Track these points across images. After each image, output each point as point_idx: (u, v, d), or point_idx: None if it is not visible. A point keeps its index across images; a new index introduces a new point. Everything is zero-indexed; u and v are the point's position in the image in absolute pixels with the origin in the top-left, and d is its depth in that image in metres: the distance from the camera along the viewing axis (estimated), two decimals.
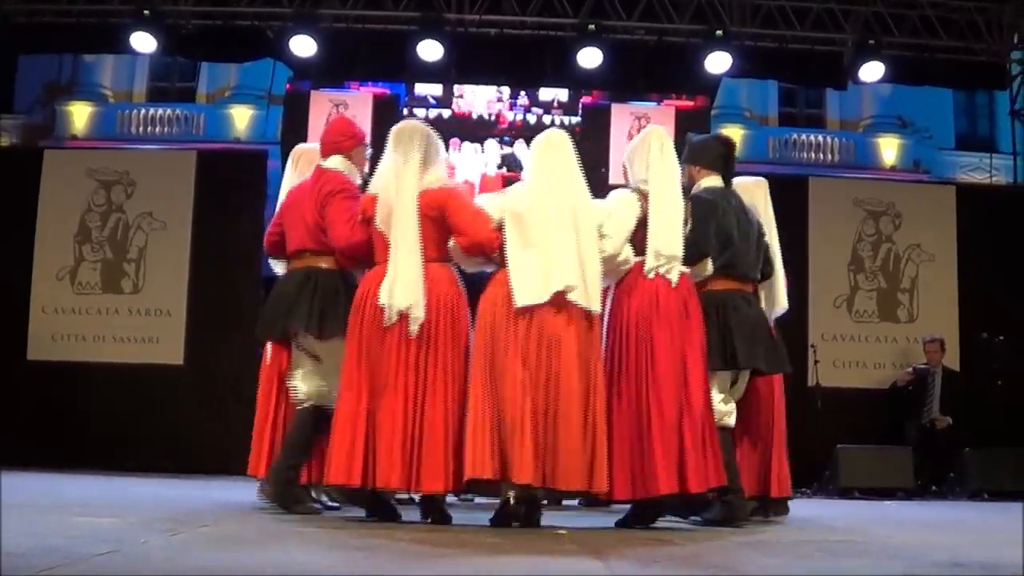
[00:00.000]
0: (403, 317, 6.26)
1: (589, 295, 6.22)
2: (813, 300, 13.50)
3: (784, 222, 7.88)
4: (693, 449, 6.21)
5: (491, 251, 6.40)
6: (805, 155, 28.41)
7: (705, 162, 7.14)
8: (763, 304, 7.32)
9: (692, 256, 6.64)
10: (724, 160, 7.15)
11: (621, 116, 17.72)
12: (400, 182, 6.50)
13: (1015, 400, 12.66)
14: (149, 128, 28.01)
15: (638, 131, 17.04)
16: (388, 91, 17.44)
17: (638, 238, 6.53)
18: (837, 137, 28.99)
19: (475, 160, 16.98)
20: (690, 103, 17.51)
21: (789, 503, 7.67)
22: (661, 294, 6.43)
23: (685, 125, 16.13)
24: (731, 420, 6.94)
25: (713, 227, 6.79)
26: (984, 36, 14.34)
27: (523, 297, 6.15)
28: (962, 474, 12.01)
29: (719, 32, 13.70)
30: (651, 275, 6.46)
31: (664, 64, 14.57)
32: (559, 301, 6.15)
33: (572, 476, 6.00)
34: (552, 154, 6.56)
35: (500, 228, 6.36)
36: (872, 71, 13.98)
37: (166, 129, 28.05)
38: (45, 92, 28.02)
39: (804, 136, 28.79)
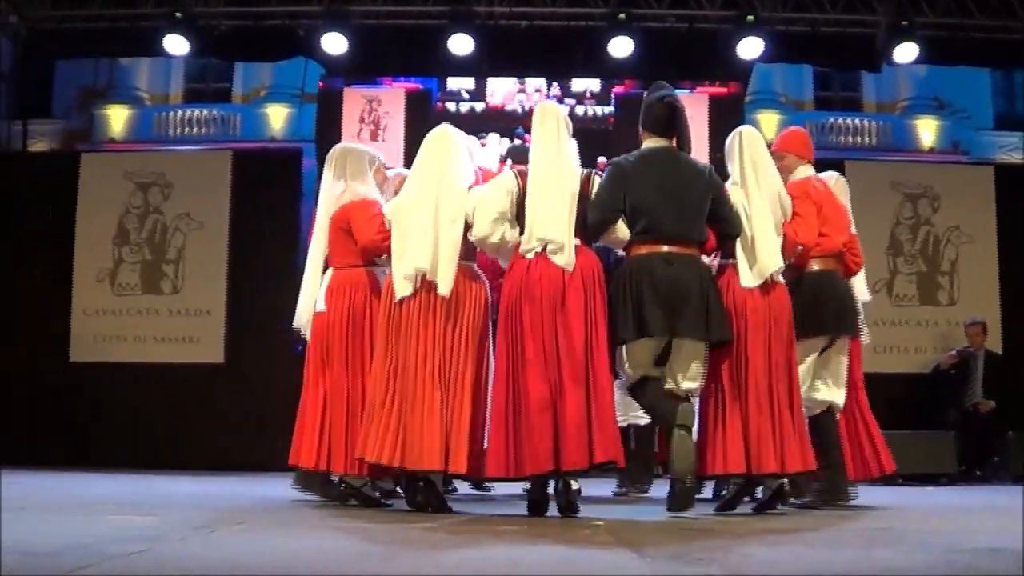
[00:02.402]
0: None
1: (440, 278, 6.60)
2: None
3: None
4: (573, 425, 6.23)
5: (379, 252, 7.12)
6: (842, 139, 28.16)
7: (644, 125, 6.99)
8: (744, 265, 6.89)
9: (591, 227, 6.68)
10: (662, 122, 6.88)
11: None
12: (321, 203, 7.60)
13: None
14: (186, 129, 28.05)
15: None
16: (420, 86, 17.45)
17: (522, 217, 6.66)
18: (874, 120, 28.72)
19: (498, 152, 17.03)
20: (723, 90, 17.42)
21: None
22: (533, 273, 6.50)
23: (719, 112, 16.09)
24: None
25: (617, 193, 6.65)
26: (1019, 14, 14.21)
27: (399, 291, 6.69)
28: (1005, 458, 11.91)
29: (750, 18, 13.63)
30: (529, 255, 6.54)
31: (696, 51, 14.50)
32: (421, 286, 6.66)
33: (425, 456, 6.40)
34: (427, 149, 7.03)
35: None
36: (906, 52, 13.86)
37: (203, 130, 28.07)
38: (82, 96, 28.09)
39: (841, 120, 28.53)
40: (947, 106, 28.61)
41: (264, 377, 13.00)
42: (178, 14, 13.42)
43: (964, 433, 12.28)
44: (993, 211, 13.81)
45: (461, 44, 13.67)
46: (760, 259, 6.85)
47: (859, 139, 28.25)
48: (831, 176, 8.18)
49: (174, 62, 26.17)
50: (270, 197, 13.72)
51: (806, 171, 7.63)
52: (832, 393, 7.52)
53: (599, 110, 17.61)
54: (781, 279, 6.97)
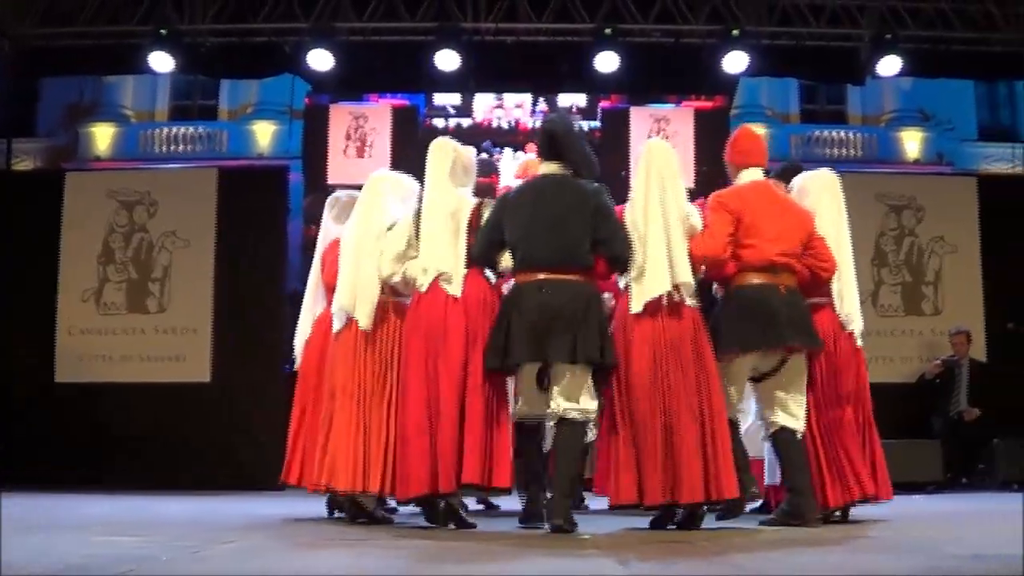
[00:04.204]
0: None
1: (358, 313, 7.08)
2: None
3: None
4: (446, 449, 6.42)
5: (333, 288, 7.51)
6: (828, 151, 28.13)
7: (537, 152, 7.07)
8: (633, 289, 6.58)
9: (475, 262, 6.80)
10: (545, 147, 6.85)
11: (640, 119, 17.76)
12: (319, 243, 8.33)
13: None
14: (172, 147, 27.90)
15: (658, 133, 17.13)
16: (407, 102, 17.51)
17: None
18: (859, 132, 28.77)
19: None
20: (709, 103, 17.52)
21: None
22: (422, 305, 6.78)
23: (705, 126, 16.15)
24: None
25: (495, 227, 6.69)
26: (1000, 26, 14.27)
27: (334, 326, 7.37)
28: (991, 465, 11.98)
29: (735, 32, 13.66)
30: (423, 288, 6.79)
31: (681, 65, 14.52)
32: (349, 321, 7.19)
33: (343, 477, 6.87)
34: (362, 194, 7.49)
35: None
36: (889, 65, 13.91)
37: (189, 147, 27.91)
38: (67, 114, 28.02)
39: (826, 132, 28.54)
40: (931, 118, 28.66)
41: (251, 395, 12.93)
42: (163, 31, 13.40)
43: (950, 441, 12.36)
44: (976, 221, 13.83)
45: (447, 60, 13.66)
46: (645, 283, 6.56)
47: (845, 151, 28.28)
48: (807, 176, 7.66)
49: (160, 79, 26.11)
50: (257, 214, 13.63)
51: (750, 176, 7.19)
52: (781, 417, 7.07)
53: (586, 124, 17.65)
54: (688, 302, 6.61)
